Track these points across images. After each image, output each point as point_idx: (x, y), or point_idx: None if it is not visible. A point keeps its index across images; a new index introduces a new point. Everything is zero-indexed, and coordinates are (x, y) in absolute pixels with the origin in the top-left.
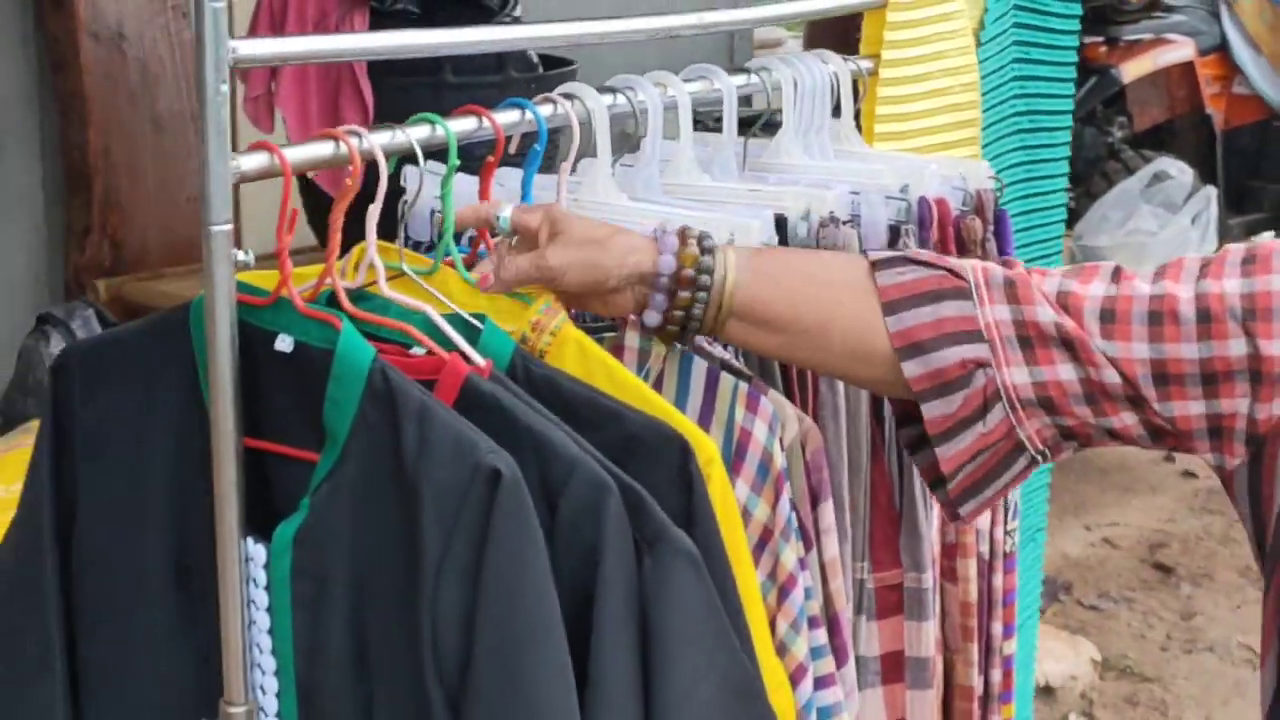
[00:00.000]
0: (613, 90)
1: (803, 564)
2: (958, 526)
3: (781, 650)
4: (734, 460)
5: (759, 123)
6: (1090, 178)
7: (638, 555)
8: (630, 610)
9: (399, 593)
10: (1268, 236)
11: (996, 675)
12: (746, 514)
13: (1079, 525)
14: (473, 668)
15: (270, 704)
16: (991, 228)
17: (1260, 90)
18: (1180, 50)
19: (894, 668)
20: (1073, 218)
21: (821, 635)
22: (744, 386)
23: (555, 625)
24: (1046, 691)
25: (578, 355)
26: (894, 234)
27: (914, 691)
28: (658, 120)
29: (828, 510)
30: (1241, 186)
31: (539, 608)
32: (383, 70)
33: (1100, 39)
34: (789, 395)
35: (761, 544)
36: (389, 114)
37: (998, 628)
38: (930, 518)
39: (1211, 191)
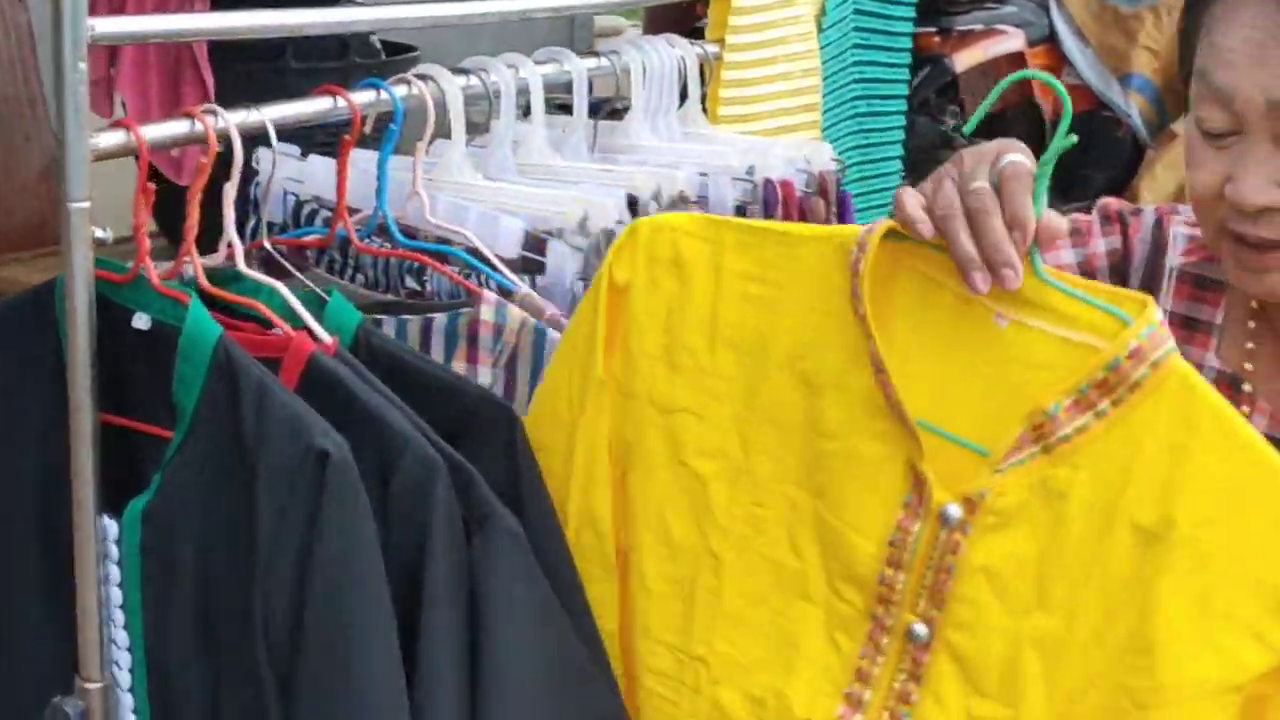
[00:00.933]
0: (465, 72)
1: None
2: None
3: None
4: None
5: (608, 105)
6: (924, 166)
7: (468, 535)
8: (458, 591)
9: (239, 573)
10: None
11: None
12: None
13: None
14: (301, 652)
15: (125, 679)
16: (834, 209)
17: (1088, 80)
18: (1011, 41)
19: None
20: None
21: None
22: None
23: (383, 610)
24: None
25: (1179, 397)
26: (740, 214)
27: None
28: (510, 102)
29: None
30: (1070, 175)
31: (367, 592)
32: (224, 54)
33: (933, 29)
34: None
35: None
36: (230, 99)
37: None
38: None
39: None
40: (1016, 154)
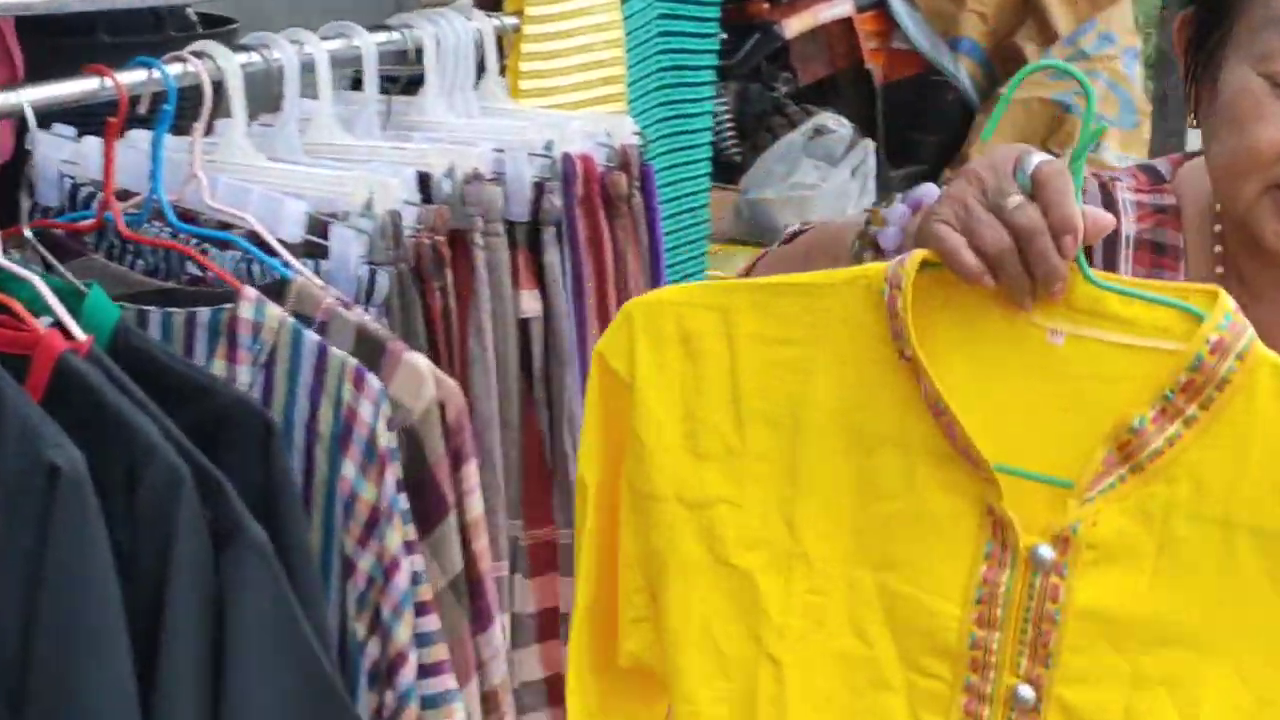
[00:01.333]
0: (247, 48)
1: (410, 547)
2: None
3: (385, 636)
4: (342, 440)
5: (403, 81)
6: (756, 132)
7: (216, 547)
8: (201, 607)
9: None
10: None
11: None
12: (355, 495)
13: None
14: (30, 672)
15: None
16: (637, 183)
17: (917, 44)
18: (839, 6)
19: (550, 624)
20: (740, 172)
21: (432, 622)
22: (352, 363)
23: (115, 632)
24: None
25: (1275, 386)
26: (539, 190)
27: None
28: (294, 79)
29: (472, 471)
30: (901, 139)
31: (97, 613)
32: (34, 29)
33: None
34: (435, 353)
35: (370, 525)
36: (41, 75)
37: None
38: None
39: (870, 144)
40: (1037, 153)
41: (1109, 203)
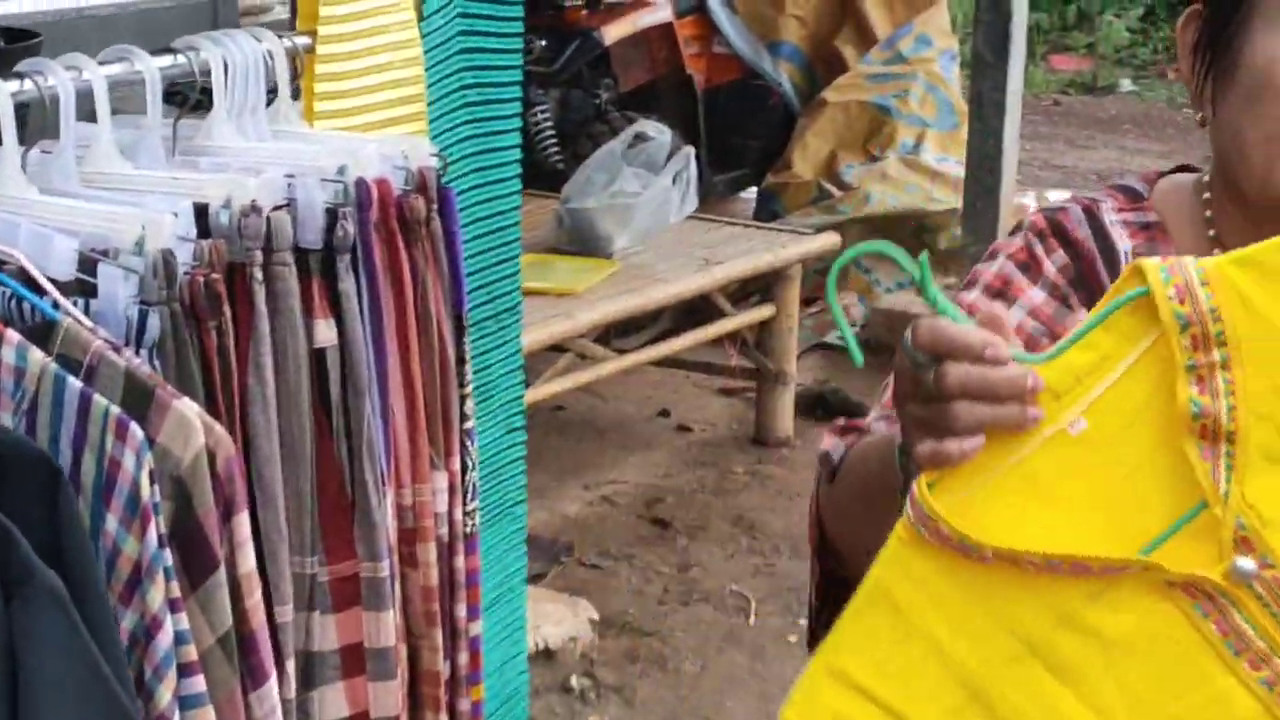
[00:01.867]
0: (20, 75)
1: (174, 605)
2: (415, 511)
3: (146, 697)
4: (105, 492)
5: (188, 104)
6: (578, 139)
7: (6, 596)
8: None
9: None
10: (749, 193)
11: (464, 658)
12: (117, 549)
13: (578, 485)
14: None
15: None
16: (436, 206)
17: (738, 49)
18: (658, 12)
19: (354, 660)
20: (562, 179)
21: (197, 684)
22: (115, 412)
23: None
24: (547, 655)
25: (1246, 280)
26: (332, 217)
27: (376, 683)
28: (70, 107)
29: (242, 522)
30: (724, 144)
31: None
32: None
33: (580, 2)
34: (212, 398)
35: (133, 582)
36: None
37: (462, 610)
38: (384, 505)
39: (691, 151)
40: (905, 333)
41: (1096, 226)
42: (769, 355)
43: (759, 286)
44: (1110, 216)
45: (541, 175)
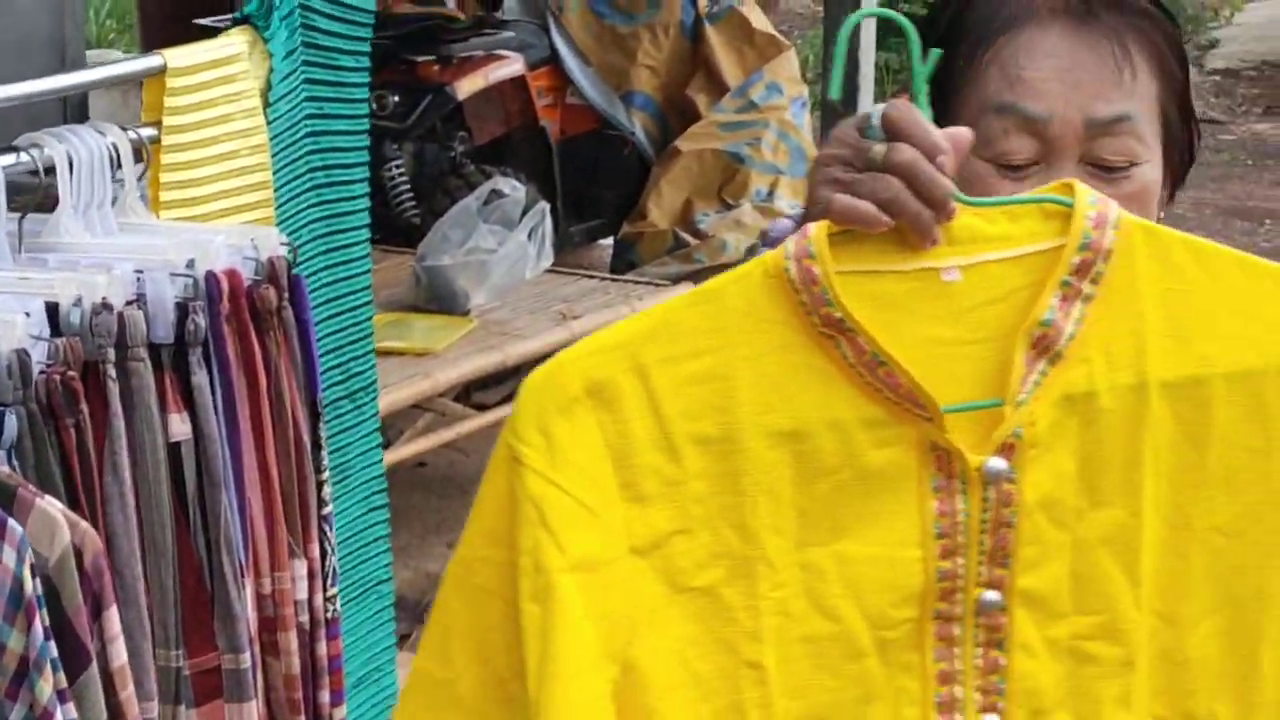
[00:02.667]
0: None
1: (62, 696)
2: (275, 600)
3: None
4: None
5: (33, 202)
6: (433, 195)
7: None
8: None
9: None
10: (606, 242)
11: None
12: (1, 646)
13: (441, 543)
14: None
15: None
16: (287, 294)
17: (591, 100)
18: (511, 65)
19: None
20: (419, 234)
21: None
22: None
23: None
24: None
25: (1149, 246)
26: (183, 311)
27: None
28: None
29: (113, 617)
30: (579, 194)
31: None
32: None
33: (433, 57)
34: (73, 495)
35: (19, 677)
36: None
37: (325, 696)
38: (244, 596)
39: (545, 206)
40: (877, 106)
41: None
42: None
43: None
44: None
45: (397, 231)
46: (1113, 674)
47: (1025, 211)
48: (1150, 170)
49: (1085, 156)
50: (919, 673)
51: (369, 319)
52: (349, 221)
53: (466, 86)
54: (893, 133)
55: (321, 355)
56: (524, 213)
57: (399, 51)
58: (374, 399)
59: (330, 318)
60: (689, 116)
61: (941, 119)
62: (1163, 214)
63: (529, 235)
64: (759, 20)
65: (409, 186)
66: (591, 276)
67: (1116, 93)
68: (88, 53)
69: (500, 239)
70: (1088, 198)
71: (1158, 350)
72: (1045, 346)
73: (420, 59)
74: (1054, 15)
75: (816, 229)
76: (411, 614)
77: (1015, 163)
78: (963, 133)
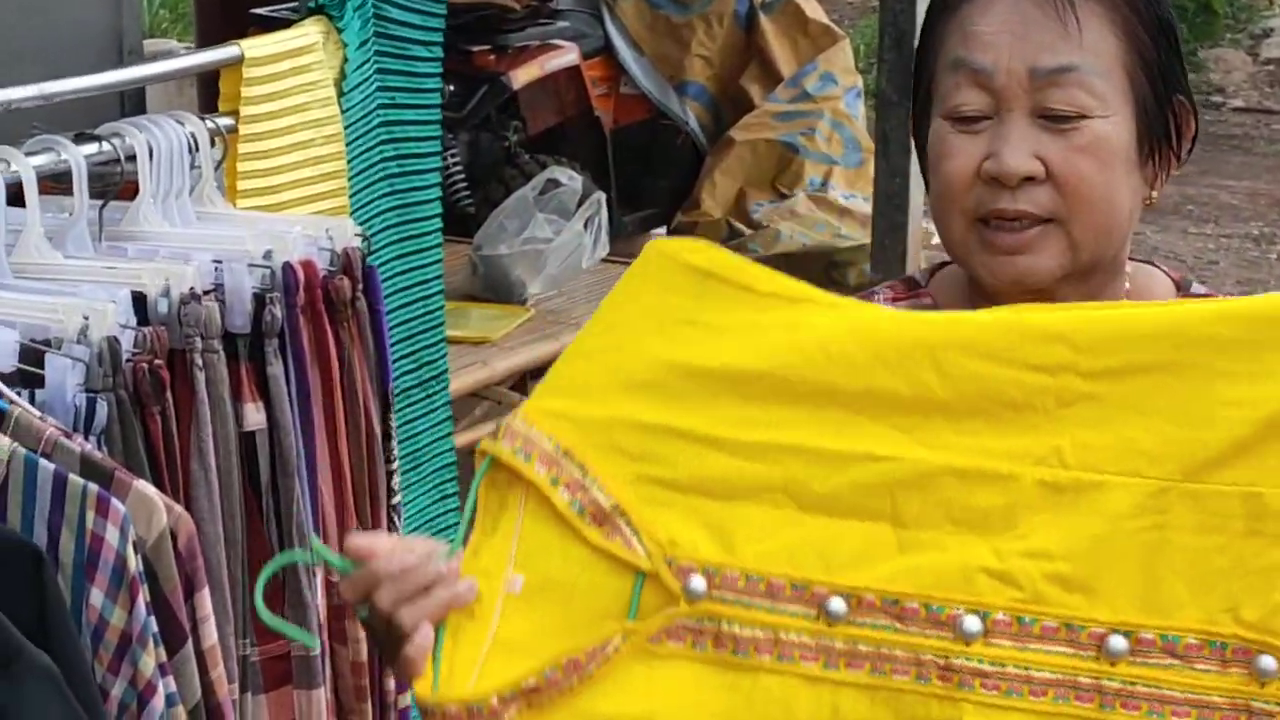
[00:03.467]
0: None
1: (163, 669)
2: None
3: None
4: (87, 567)
5: (115, 190)
6: (488, 183)
7: None
8: None
9: None
10: (660, 231)
11: None
12: (104, 621)
13: None
14: None
15: None
16: (361, 285)
17: (645, 89)
18: (566, 55)
19: None
20: (474, 223)
21: None
22: (94, 489)
23: None
24: None
25: None
26: (260, 302)
27: None
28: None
29: (205, 599)
30: (633, 183)
31: None
32: None
33: (488, 47)
34: (158, 480)
35: (121, 651)
36: None
37: (391, 683)
38: (314, 584)
39: (601, 196)
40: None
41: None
42: None
43: None
44: (877, 298)
45: (452, 220)
46: None
47: (485, 494)
48: (1105, 125)
49: (1034, 109)
50: (885, 694)
51: (440, 308)
52: (421, 211)
53: (522, 76)
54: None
55: (393, 344)
56: (580, 202)
57: (455, 41)
58: (445, 388)
59: (402, 306)
60: (743, 106)
61: (919, 88)
62: (1155, 191)
63: (585, 225)
64: (813, 10)
65: (464, 175)
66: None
67: (1063, 44)
68: (145, 43)
69: (556, 229)
70: (486, 443)
71: (637, 405)
72: (603, 516)
73: (476, 48)
74: None
75: (416, 690)
76: None
77: (966, 114)
78: (366, 546)
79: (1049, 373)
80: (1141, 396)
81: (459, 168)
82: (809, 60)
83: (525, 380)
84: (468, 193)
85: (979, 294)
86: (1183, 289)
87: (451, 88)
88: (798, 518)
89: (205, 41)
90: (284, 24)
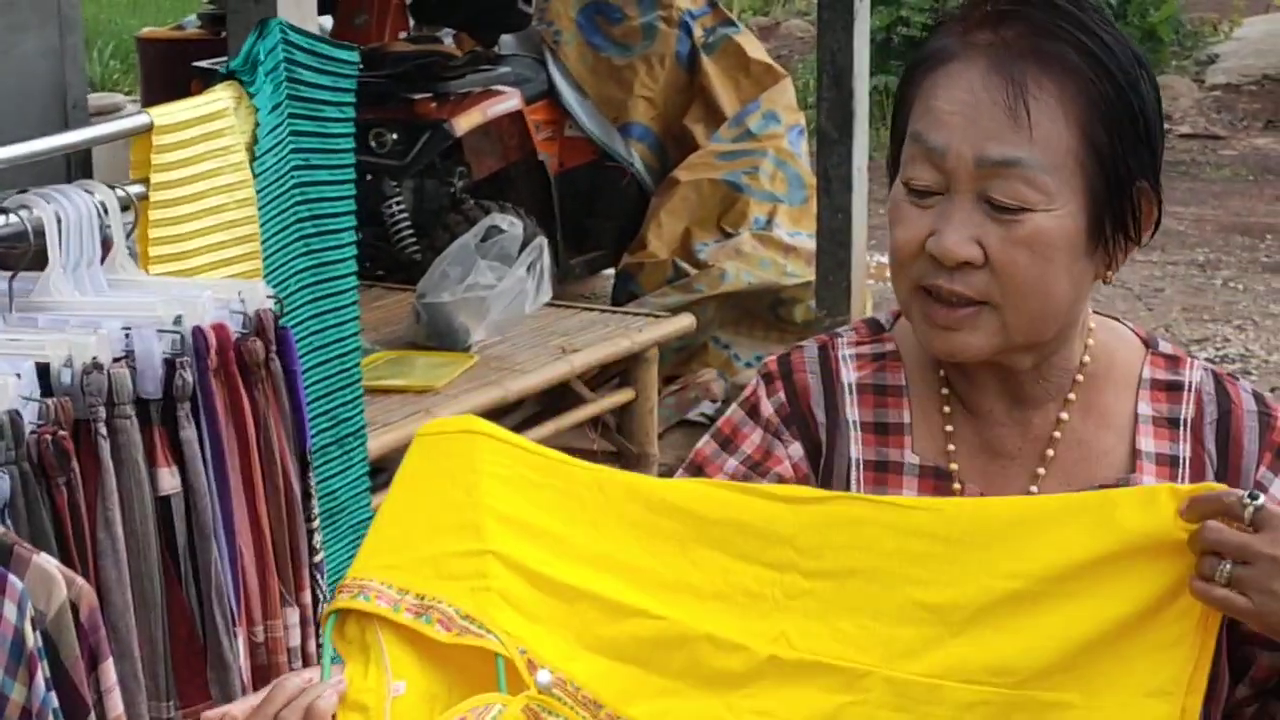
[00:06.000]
0: None
1: None
2: (269, 647)
3: None
4: None
5: (24, 262)
6: (433, 230)
7: None
8: None
9: None
10: (608, 272)
11: None
12: (4, 698)
13: None
14: None
15: None
16: (274, 346)
17: (589, 131)
18: (508, 101)
19: None
20: (419, 271)
21: None
22: None
23: None
24: None
25: None
26: (170, 367)
27: None
28: None
29: (109, 669)
30: (579, 225)
31: None
32: None
33: (430, 95)
34: (65, 551)
35: None
36: None
37: None
38: (236, 644)
39: (544, 241)
40: None
41: (825, 361)
42: (630, 437)
43: (618, 370)
44: (845, 351)
45: (399, 267)
46: None
47: (347, 654)
48: (1048, 220)
49: (980, 194)
50: None
51: (357, 365)
52: (337, 270)
53: (464, 123)
54: None
55: (310, 402)
56: (522, 248)
57: (396, 89)
58: (363, 444)
59: (319, 365)
60: (687, 146)
61: (895, 145)
62: (1111, 274)
63: (528, 270)
64: (755, 49)
65: (409, 223)
66: (591, 309)
67: (1012, 136)
68: (90, 96)
69: (499, 275)
70: (335, 602)
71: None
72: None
73: (418, 96)
74: (978, 54)
75: None
76: None
77: (917, 187)
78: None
79: (778, 570)
80: (849, 595)
81: (404, 215)
82: (751, 99)
83: None
84: (413, 240)
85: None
86: (1150, 346)
87: (394, 136)
88: (585, 653)
89: (150, 93)
90: (227, 76)
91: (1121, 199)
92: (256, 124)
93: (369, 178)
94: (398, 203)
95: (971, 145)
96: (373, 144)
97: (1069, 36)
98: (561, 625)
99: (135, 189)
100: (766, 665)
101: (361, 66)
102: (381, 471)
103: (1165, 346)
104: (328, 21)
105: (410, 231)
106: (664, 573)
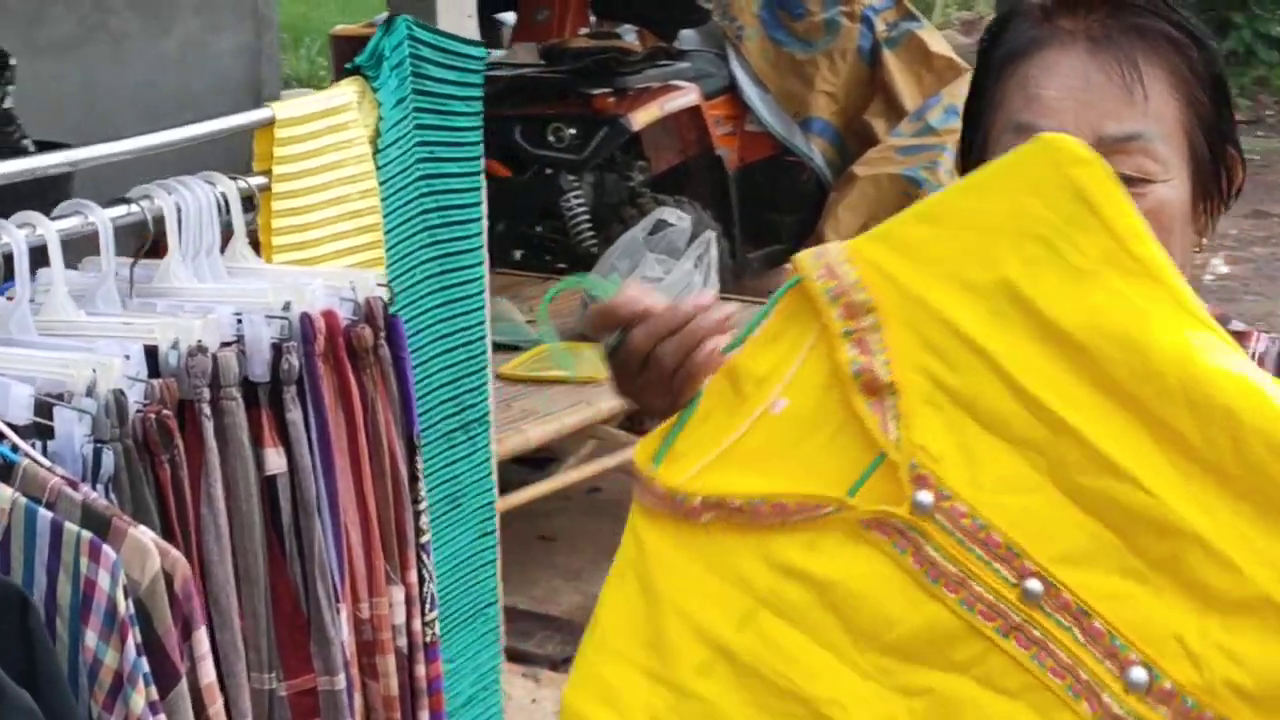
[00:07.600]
0: None
1: (154, 708)
2: (374, 624)
3: None
4: (82, 610)
5: (144, 249)
6: (610, 223)
7: None
8: None
9: None
10: (785, 268)
11: None
12: (98, 662)
13: None
14: None
15: None
16: (384, 334)
17: (770, 127)
18: (685, 96)
19: None
20: (594, 263)
21: None
22: (86, 536)
23: None
24: None
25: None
26: (277, 352)
27: None
28: (24, 261)
29: (201, 638)
30: (757, 220)
31: None
32: None
33: (608, 90)
34: (167, 526)
35: (114, 690)
36: None
37: (425, 716)
38: (339, 620)
39: (711, 236)
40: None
41: None
42: None
43: None
44: None
45: (577, 260)
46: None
47: (789, 311)
48: (1168, 190)
49: None
50: (1034, 685)
51: (483, 353)
52: (464, 260)
53: (641, 117)
54: (610, 329)
55: (436, 389)
56: (690, 241)
57: (575, 85)
58: (486, 430)
59: (445, 352)
60: (867, 141)
61: (974, 143)
62: (1205, 240)
63: (695, 264)
64: (937, 43)
65: (588, 216)
66: (757, 301)
67: (1129, 111)
68: (284, 93)
69: (666, 268)
70: (809, 259)
71: (959, 304)
72: (876, 388)
73: (595, 91)
74: (1074, 39)
75: (636, 453)
76: (577, 639)
77: None
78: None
79: None
80: None
81: (583, 208)
82: (933, 94)
83: (633, 418)
84: (591, 233)
85: None
86: (1221, 324)
87: (572, 130)
88: (1046, 489)
89: None
90: (353, 71)
91: (1217, 164)
92: (380, 117)
93: (548, 172)
94: (576, 196)
95: (1089, 126)
96: (551, 138)
97: (1157, 10)
98: (1027, 448)
99: (257, 180)
100: (1257, 602)
101: (541, 62)
102: (551, 461)
103: (1236, 324)
104: (510, 17)
105: (589, 225)
106: (1194, 442)
